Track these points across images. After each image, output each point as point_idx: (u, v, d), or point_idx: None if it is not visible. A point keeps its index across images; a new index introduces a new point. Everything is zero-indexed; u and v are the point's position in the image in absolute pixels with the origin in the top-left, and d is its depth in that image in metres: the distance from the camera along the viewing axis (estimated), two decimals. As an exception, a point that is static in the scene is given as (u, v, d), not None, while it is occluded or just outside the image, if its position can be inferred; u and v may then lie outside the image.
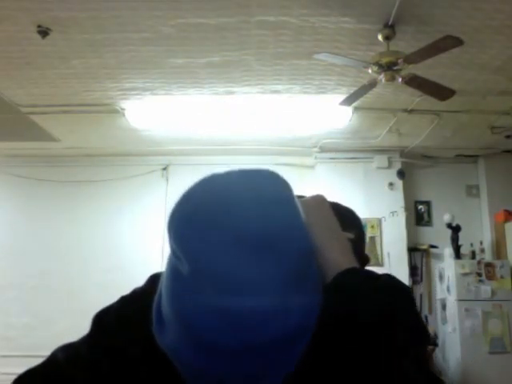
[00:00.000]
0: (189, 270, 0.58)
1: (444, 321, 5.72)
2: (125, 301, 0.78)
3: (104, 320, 0.76)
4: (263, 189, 0.61)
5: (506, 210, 5.93)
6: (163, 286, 0.65)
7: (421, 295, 6.14)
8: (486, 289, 5.39)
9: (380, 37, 3.59)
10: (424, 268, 6.22)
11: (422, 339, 0.66)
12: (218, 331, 0.57)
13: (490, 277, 5.44)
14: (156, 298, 0.67)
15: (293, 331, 0.60)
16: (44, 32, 3.57)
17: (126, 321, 0.72)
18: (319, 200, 0.79)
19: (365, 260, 1.01)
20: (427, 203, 6.43)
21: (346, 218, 0.89)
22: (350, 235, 0.82)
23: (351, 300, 0.63)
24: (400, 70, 3.58)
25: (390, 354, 0.61)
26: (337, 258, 0.71)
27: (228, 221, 0.57)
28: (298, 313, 0.60)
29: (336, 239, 0.75)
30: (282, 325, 0.59)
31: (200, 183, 0.63)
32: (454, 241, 5.82)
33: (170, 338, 0.63)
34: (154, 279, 0.77)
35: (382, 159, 6.24)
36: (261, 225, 0.57)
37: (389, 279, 0.69)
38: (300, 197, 0.91)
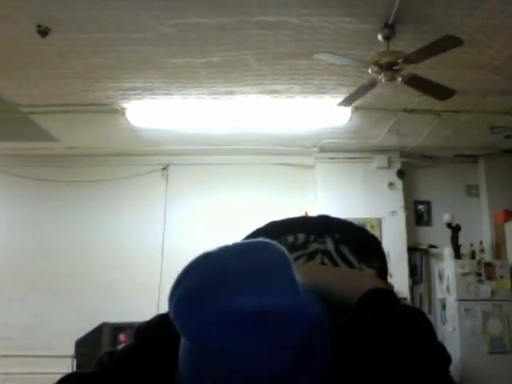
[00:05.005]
0: (193, 347, 0.60)
1: (444, 321, 5.72)
2: (161, 320, 0.79)
3: (142, 336, 0.79)
4: (260, 265, 0.62)
5: (506, 210, 5.93)
6: (180, 351, 0.66)
7: (420, 295, 6.14)
8: (485, 289, 5.39)
9: (380, 37, 3.59)
10: (424, 268, 6.22)
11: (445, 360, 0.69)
12: None
13: (490, 277, 5.44)
14: (180, 355, 0.68)
15: None
16: (44, 32, 3.57)
17: (160, 344, 0.75)
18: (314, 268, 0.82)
19: None
20: (427, 203, 6.43)
21: (369, 248, 0.87)
22: (372, 271, 0.83)
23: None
24: (400, 69, 3.58)
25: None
26: (358, 280, 0.75)
27: (226, 298, 0.58)
28: None
29: (354, 273, 0.80)
30: None
31: (197, 261, 0.63)
32: (454, 241, 5.82)
33: None
34: None
35: (381, 159, 6.24)
36: (258, 303, 0.58)
37: (407, 306, 0.74)
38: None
